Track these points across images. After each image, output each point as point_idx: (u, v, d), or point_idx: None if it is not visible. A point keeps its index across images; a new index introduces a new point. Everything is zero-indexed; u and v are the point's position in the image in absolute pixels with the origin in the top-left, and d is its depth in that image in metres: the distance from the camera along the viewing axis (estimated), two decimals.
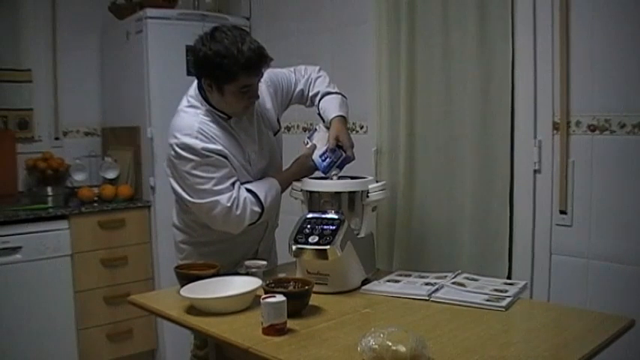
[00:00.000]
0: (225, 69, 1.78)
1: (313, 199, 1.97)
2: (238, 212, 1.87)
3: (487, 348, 1.38)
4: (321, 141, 2.05)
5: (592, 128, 2.00)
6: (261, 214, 1.93)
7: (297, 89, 2.16)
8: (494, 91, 2.20)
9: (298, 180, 2.01)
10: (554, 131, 2.09)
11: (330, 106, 2.07)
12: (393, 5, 2.48)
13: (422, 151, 2.43)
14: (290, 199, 2.06)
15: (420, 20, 2.40)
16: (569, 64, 2.04)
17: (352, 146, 2.01)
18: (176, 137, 1.88)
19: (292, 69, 2.19)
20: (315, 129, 2.11)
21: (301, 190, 2.01)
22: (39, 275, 2.95)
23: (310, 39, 3.07)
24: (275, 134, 2.10)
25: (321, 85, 2.16)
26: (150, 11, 3.18)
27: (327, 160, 2.00)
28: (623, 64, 1.91)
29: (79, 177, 3.45)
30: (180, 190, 1.93)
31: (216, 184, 1.85)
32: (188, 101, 1.96)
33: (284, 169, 2.11)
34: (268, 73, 2.06)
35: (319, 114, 2.11)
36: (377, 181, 2.00)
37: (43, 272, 2.97)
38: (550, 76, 2.08)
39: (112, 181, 3.41)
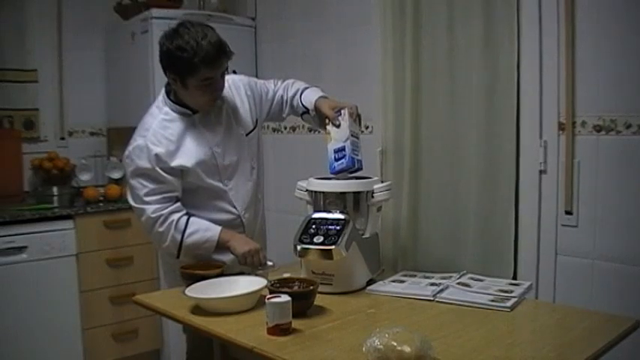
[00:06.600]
0: (185, 62, 1.84)
1: (318, 199, 1.97)
2: (161, 229, 1.91)
3: (492, 348, 1.38)
4: (340, 131, 2.02)
5: (598, 128, 1.99)
6: (179, 247, 1.93)
7: (278, 94, 2.24)
8: (499, 91, 2.20)
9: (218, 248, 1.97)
10: (560, 131, 2.08)
11: (311, 94, 2.16)
12: (398, 6, 2.47)
13: (427, 151, 2.43)
14: (295, 198, 2.06)
15: (425, 20, 2.39)
16: (575, 64, 2.03)
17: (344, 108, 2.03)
18: (134, 138, 1.95)
19: (270, 80, 2.29)
20: (340, 112, 2.05)
21: (306, 190, 2.01)
22: (44, 275, 2.96)
23: (315, 39, 3.07)
24: (248, 134, 2.12)
25: (299, 84, 2.24)
26: (155, 11, 3.19)
27: (342, 163, 1.96)
28: (629, 64, 1.91)
29: (84, 177, 3.46)
30: (127, 190, 1.99)
31: (147, 195, 1.91)
32: (156, 101, 2.03)
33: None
34: (247, 78, 2.19)
35: (303, 106, 2.16)
36: (382, 182, 2.00)
37: (49, 272, 2.98)
38: (555, 77, 2.07)
39: (117, 181, 3.41)
